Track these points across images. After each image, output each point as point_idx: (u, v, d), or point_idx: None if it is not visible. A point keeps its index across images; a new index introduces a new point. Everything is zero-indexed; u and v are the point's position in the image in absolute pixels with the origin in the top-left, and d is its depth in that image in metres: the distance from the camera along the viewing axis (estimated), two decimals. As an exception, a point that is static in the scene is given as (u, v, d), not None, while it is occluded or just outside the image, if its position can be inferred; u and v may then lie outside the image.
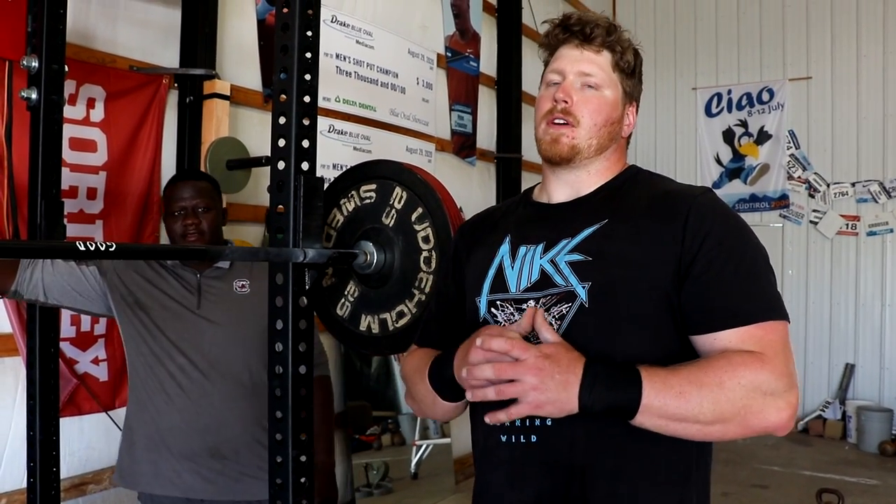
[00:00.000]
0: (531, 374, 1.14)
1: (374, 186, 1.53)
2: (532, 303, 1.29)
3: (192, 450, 2.07)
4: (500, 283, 1.36)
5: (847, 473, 5.41)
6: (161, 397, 2.10)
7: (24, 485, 2.13)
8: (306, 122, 1.47)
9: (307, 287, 1.44)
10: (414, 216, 1.43)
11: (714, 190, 1.38)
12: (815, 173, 6.97)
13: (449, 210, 1.42)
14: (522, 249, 1.36)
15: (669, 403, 1.14)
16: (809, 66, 7.00)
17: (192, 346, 2.10)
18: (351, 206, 1.55)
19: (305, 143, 1.47)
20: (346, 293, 1.55)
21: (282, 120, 1.47)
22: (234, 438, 2.08)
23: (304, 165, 1.46)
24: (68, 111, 2.67)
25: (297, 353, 1.46)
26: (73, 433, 2.82)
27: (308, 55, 1.46)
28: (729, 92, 7.29)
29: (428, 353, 1.44)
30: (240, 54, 3.43)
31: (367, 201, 1.53)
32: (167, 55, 3.14)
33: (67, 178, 2.69)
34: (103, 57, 2.88)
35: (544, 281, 1.30)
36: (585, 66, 1.36)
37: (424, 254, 1.43)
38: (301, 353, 1.47)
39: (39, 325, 2.11)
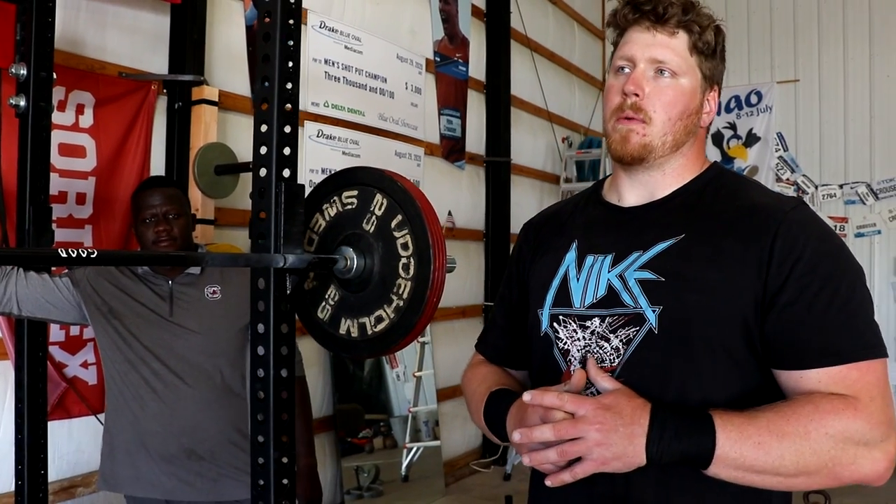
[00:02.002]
0: (594, 430, 1.04)
1: (355, 193, 1.56)
2: (597, 321, 1.20)
3: (169, 452, 2.11)
4: (563, 297, 1.26)
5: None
6: (137, 402, 2.14)
7: (13, 487, 2.16)
8: (287, 129, 1.50)
9: (288, 292, 1.47)
10: (394, 223, 1.46)
11: (806, 202, 1.23)
12: (804, 175, 7.03)
13: (427, 218, 1.44)
14: (590, 259, 1.25)
15: (747, 455, 1.02)
16: (797, 69, 7.06)
17: (166, 352, 2.14)
18: (333, 212, 1.58)
19: (287, 151, 1.50)
20: (326, 297, 1.58)
21: (263, 128, 1.50)
22: (209, 440, 2.12)
23: (286, 172, 1.49)
24: (58, 117, 2.71)
25: (278, 356, 1.49)
26: (63, 436, 2.85)
27: (289, 64, 1.49)
28: (717, 95, 7.34)
29: (487, 376, 1.40)
30: (229, 60, 3.47)
31: (349, 207, 1.56)
32: (156, 61, 3.17)
33: (57, 184, 2.73)
34: (92, 63, 2.91)
35: (611, 298, 1.19)
36: (658, 51, 1.21)
37: (403, 260, 1.46)
38: (283, 356, 1.50)
39: (27, 329, 2.14)
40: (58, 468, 2.82)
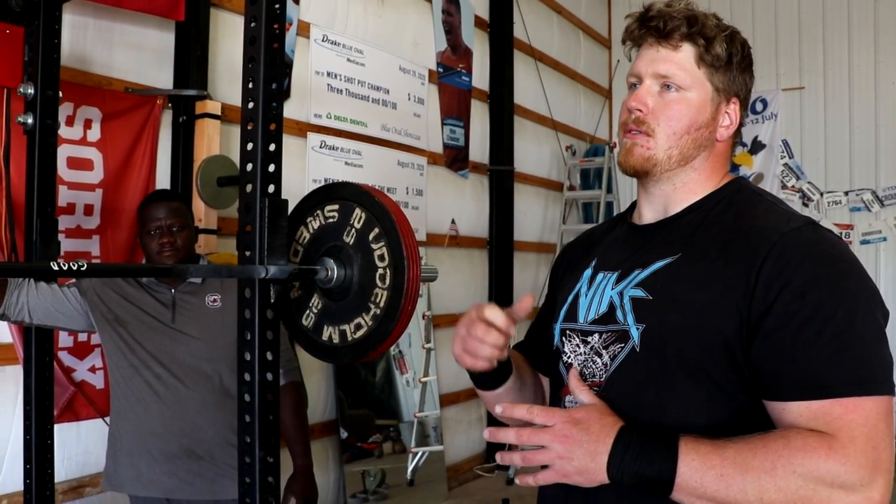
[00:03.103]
0: (557, 442, 1.06)
1: (337, 207, 1.65)
2: (596, 336, 1.21)
3: (170, 452, 2.20)
4: (572, 312, 1.29)
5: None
6: (140, 405, 2.23)
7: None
8: (272, 148, 1.60)
9: (272, 301, 1.56)
10: (371, 235, 1.55)
11: (816, 223, 1.14)
12: (809, 182, 7.05)
13: (402, 230, 1.53)
14: (600, 277, 1.27)
15: (707, 485, 1.00)
16: (802, 77, 7.09)
17: (168, 357, 2.23)
18: (316, 224, 1.68)
19: (271, 168, 1.60)
20: (310, 305, 1.67)
21: (249, 146, 1.60)
22: (208, 441, 2.22)
23: (270, 188, 1.59)
24: (66, 132, 2.82)
25: (264, 361, 1.58)
26: (71, 438, 2.95)
27: (273, 86, 1.59)
28: (722, 103, 7.39)
29: (515, 354, 1.45)
30: (232, 74, 3.57)
31: (331, 220, 1.65)
32: (161, 77, 3.28)
33: (65, 196, 2.84)
34: (100, 80, 3.02)
35: (609, 315, 1.20)
36: (662, 66, 1.20)
37: (380, 271, 1.55)
38: (268, 361, 1.59)
39: (35, 335, 2.24)
40: (67, 469, 2.92)
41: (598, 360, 1.20)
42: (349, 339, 1.60)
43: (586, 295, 1.27)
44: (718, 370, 1.09)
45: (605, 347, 1.19)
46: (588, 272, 1.30)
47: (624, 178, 8.21)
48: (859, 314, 1.04)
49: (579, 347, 1.24)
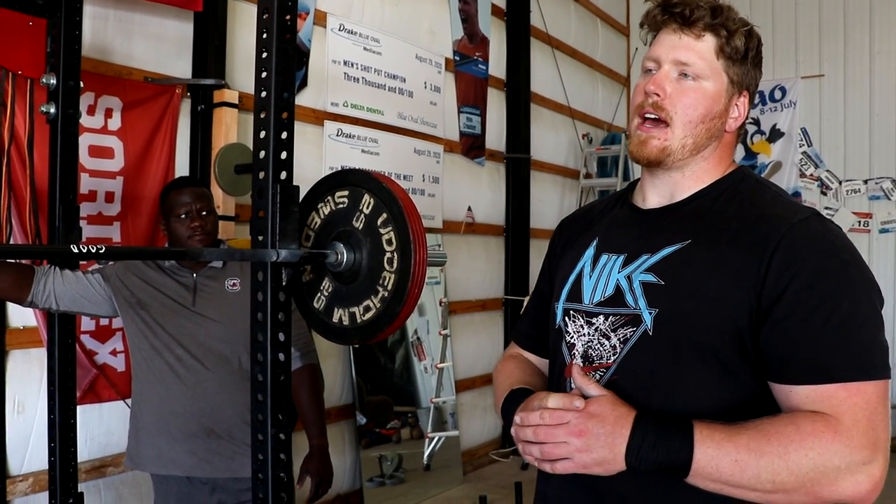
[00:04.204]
0: (574, 437, 1.10)
1: (346, 193, 1.69)
2: (602, 318, 1.23)
3: (190, 431, 2.27)
4: (576, 292, 1.30)
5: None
6: (161, 386, 2.30)
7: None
8: (284, 135, 1.64)
9: (284, 283, 1.61)
10: (379, 220, 1.59)
11: (820, 214, 1.19)
12: (828, 171, 7.00)
13: (409, 216, 1.57)
14: (604, 258, 1.28)
15: (723, 470, 1.04)
16: (822, 64, 7.03)
17: (189, 339, 2.29)
18: (327, 210, 1.72)
19: (283, 155, 1.64)
20: (321, 288, 1.72)
21: (262, 134, 1.64)
22: (227, 420, 2.28)
23: (282, 175, 1.63)
24: (88, 121, 2.89)
25: (276, 342, 1.63)
26: (94, 419, 3.04)
27: (285, 76, 1.64)
28: (741, 90, 7.34)
29: (511, 370, 1.45)
30: (249, 64, 3.62)
31: (341, 206, 1.69)
32: (180, 66, 3.34)
33: (87, 183, 2.91)
34: (120, 70, 3.09)
35: (617, 297, 1.22)
36: (683, 53, 1.22)
37: (388, 255, 1.59)
38: (280, 342, 1.64)
39: (58, 318, 2.31)
40: (90, 449, 3.01)
41: (607, 342, 1.22)
42: (358, 320, 1.65)
43: (590, 276, 1.29)
44: (728, 355, 1.13)
45: (614, 330, 1.21)
46: (590, 252, 1.32)
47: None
48: (862, 303, 1.10)
49: (583, 328, 1.26)
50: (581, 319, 1.27)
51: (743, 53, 1.23)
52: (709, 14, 1.21)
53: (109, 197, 3.04)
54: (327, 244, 1.72)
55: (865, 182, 6.84)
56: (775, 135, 7.18)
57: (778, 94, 7.17)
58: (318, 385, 2.50)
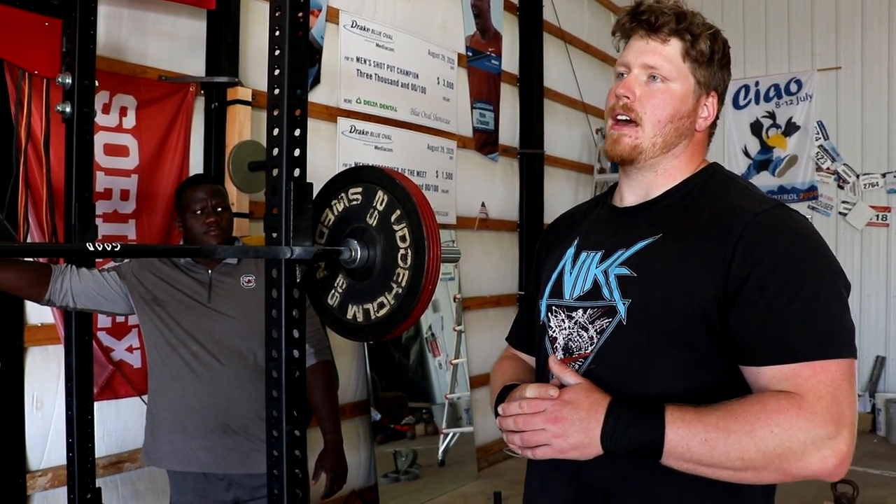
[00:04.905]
0: (551, 423, 1.15)
1: (360, 189, 1.69)
2: (581, 312, 1.29)
3: (206, 427, 2.28)
4: (558, 288, 1.36)
5: (871, 466, 5.38)
6: (178, 382, 2.31)
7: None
8: (297, 133, 1.64)
9: (298, 280, 1.62)
10: (393, 217, 1.59)
11: (785, 205, 1.25)
12: (845, 164, 6.94)
13: (423, 212, 1.57)
14: (583, 255, 1.35)
15: (694, 450, 1.09)
16: (839, 56, 6.96)
17: (205, 335, 2.31)
18: (341, 207, 1.72)
19: (297, 153, 1.64)
20: (335, 285, 1.72)
21: (275, 132, 1.64)
22: (242, 416, 2.29)
23: (296, 172, 1.64)
24: (103, 119, 2.91)
25: (290, 338, 1.64)
26: (111, 416, 3.06)
27: (298, 73, 1.64)
28: (756, 84, 7.29)
29: (506, 369, 1.51)
30: (262, 61, 3.62)
31: (354, 203, 1.69)
32: (193, 64, 3.36)
33: (102, 182, 2.93)
34: (134, 68, 3.10)
35: (595, 291, 1.29)
36: (650, 57, 1.29)
37: (401, 251, 1.59)
38: (294, 338, 1.65)
39: (75, 316, 2.33)
40: (107, 445, 3.03)
41: (585, 333, 1.28)
42: (372, 317, 1.65)
43: (571, 273, 1.35)
44: (699, 340, 1.19)
45: (591, 322, 1.27)
46: (571, 251, 1.39)
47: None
48: (825, 286, 1.15)
49: (564, 322, 1.32)
50: (562, 314, 1.33)
51: (709, 56, 1.30)
52: (673, 20, 1.28)
53: (124, 195, 3.06)
54: (341, 241, 1.72)
55: (884, 175, 6.78)
56: (791, 128, 7.13)
57: (794, 88, 7.11)
58: (332, 381, 2.51)
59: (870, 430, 6.41)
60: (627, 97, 1.30)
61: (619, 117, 1.30)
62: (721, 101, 1.36)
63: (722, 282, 1.16)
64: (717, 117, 1.36)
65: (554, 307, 1.36)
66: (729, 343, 1.17)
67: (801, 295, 1.12)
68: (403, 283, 1.61)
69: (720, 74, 1.33)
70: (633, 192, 1.37)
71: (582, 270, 1.33)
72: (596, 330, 1.26)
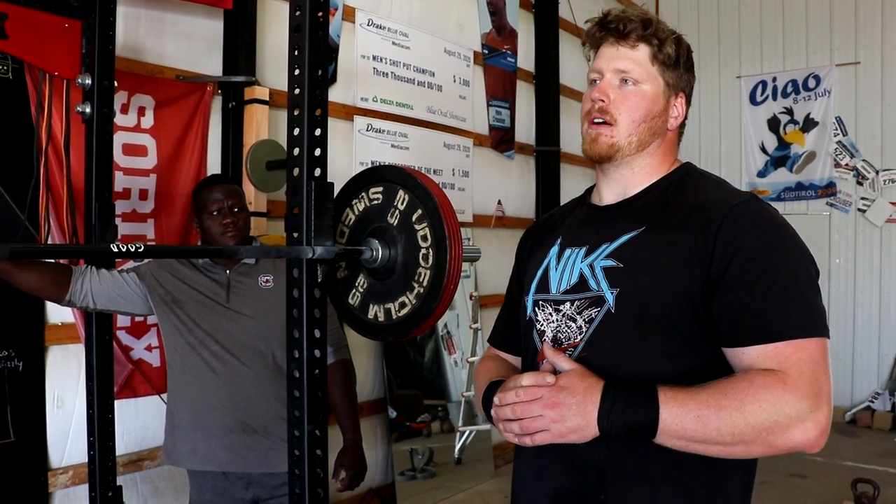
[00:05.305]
0: (549, 409, 1.20)
1: (381, 189, 1.69)
2: (568, 304, 1.35)
3: (226, 427, 2.29)
4: (544, 284, 1.42)
5: (892, 465, 5.31)
6: (197, 382, 2.32)
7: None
8: (318, 132, 1.64)
9: (319, 280, 1.62)
10: (414, 216, 1.59)
11: (758, 197, 1.34)
12: (864, 160, 6.87)
13: (444, 212, 1.56)
14: (568, 252, 1.41)
15: (687, 427, 1.15)
16: (858, 51, 6.88)
17: (224, 335, 2.31)
18: (361, 207, 1.72)
19: (317, 152, 1.64)
20: (356, 285, 1.72)
21: (296, 131, 1.65)
22: (262, 415, 2.29)
23: (317, 172, 1.64)
24: (121, 119, 2.92)
25: (311, 338, 1.64)
26: (130, 414, 3.08)
27: (318, 73, 1.64)
28: (774, 79, 7.24)
29: (490, 368, 1.55)
30: (279, 60, 3.64)
31: (375, 202, 1.69)
32: (211, 64, 3.36)
33: (121, 181, 2.95)
34: (152, 68, 3.11)
35: (581, 284, 1.34)
36: (621, 62, 1.36)
37: (423, 251, 1.59)
38: (315, 338, 1.64)
39: (96, 316, 2.35)
40: (126, 443, 3.05)
41: (573, 324, 1.34)
42: (394, 317, 1.65)
43: (556, 268, 1.41)
44: (685, 325, 1.25)
45: (579, 313, 1.33)
46: (555, 249, 1.45)
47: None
48: (800, 271, 1.23)
49: (552, 316, 1.38)
50: (550, 307, 1.39)
51: (675, 59, 1.39)
52: (640, 26, 1.36)
53: (143, 194, 3.07)
54: (362, 240, 1.72)
55: (903, 171, 6.72)
56: (809, 124, 7.07)
57: (812, 83, 7.05)
58: (350, 380, 2.51)
59: (890, 428, 6.36)
60: (602, 100, 1.37)
61: (596, 120, 1.37)
62: (688, 102, 1.44)
63: (705, 269, 1.23)
64: (686, 117, 1.44)
65: (541, 301, 1.41)
66: (712, 327, 1.24)
67: (778, 280, 1.20)
68: (425, 283, 1.60)
69: (686, 76, 1.42)
70: (611, 191, 1.43)
71: (567, 265, 1.39)
72: (584, 319, 1.31)
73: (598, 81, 1.39)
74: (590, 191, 1.53)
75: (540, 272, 1.44)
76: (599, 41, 1.41)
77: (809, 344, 1.18)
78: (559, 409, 1.20)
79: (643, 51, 1.37)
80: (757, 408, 1.13)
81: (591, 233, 1.40)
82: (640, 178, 1.41)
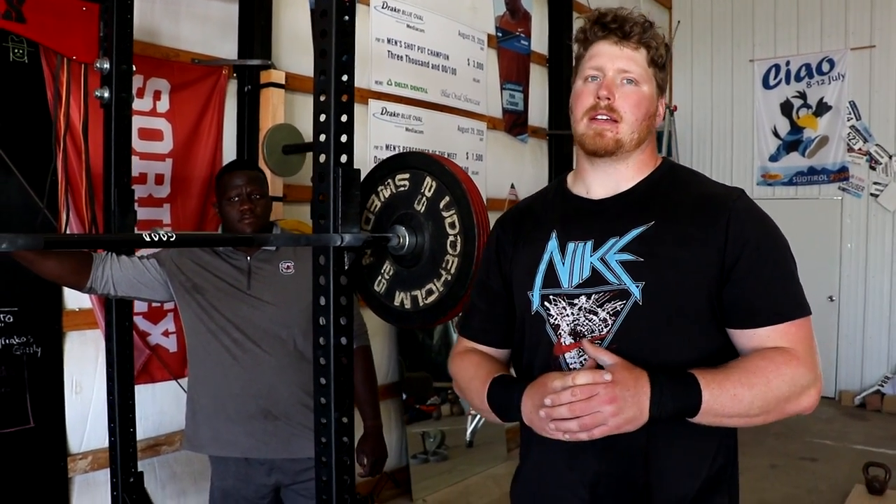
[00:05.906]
0: (607, 404, 1.24)
1: (407, 175, 1.68)
2: (584, 298, 1.38)
3: (247, 413, 2.28)
4: (552, 279, 1.43)
5: (901, 448, 5.36)
6: (219, 369, 2.31)
7: (107, 443, 2.38)
8: (344, 118, 1.62)
9: (346, 267, 1.60)
10: (442, 203, 1.58)
11: (745, 191, 1.44)
12: (877, 145, 6.81)
13: (473, 199, 1.56)
14: (571, 246, 1.43)
15: (725, 405, 1.27)
16: (873, 35, 6.80)
17: (245, 322, 2.30)
18: (387, 193, 1.71)
19: (343, 139, 1.62)
20: (382, 271, 1.71)
21: (322, 118, 1.62)
22: (283, 402, 2.29)
23: (343, 158, 1.62)
24: (137, 103, 2.89)
25: (338, 325, 1.63)
26: (147, 399, 3.09)
27: (344, 58, 1.61)
28: (787, 63, 7.17)
29: (479, 362, 1.52)
30: (295, 43, 3.61)
31: (402, 189, 1.68)
32: (226, 47, 3.34)
33: (137, 166, 2.93)
34: (167, 52, 3.09)
35: (596, 278, 1.38)
36: (625, 63, 1.40)
37: (451, 238, 1.58)
38: (342, 325, 1.64)
39: (115, 302, 2.34)
40: (144, 428, 3.05)
41: (595, 317, 1.38)
42: (420, 304, 1.65)
43: (563, 263, 1.43)
44: (703, 313, 1.36)
45: (600, 305, 1.37)
46: (553, 243, 1.46)
47: (685, 140, 7.93)
48: (789, 259, 1.38)
49: (566, 310, 1.41)
50: (563, 302, 1.41)
51: (663, 62, 1.46)
52: (641, 30, 1.42)
53: (159, 179, 3.06)
54: (388, 227, 1.71)
55: (918, 156, 6.66)
56: (822, 108, 7.00)
57: (826, 67, 6.98)
58: (371, 367, 2.51)
59: (901, 413, 6.36)
60: (609, 98, 1.40)
61: (601, 116, 1.41)
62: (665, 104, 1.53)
63: (720, 260, 1.34)
64: (663, 117, 1.52)
65: (552, 296, 1.43)
66: (722, 312, 1.36)
67: (779, 267, 1.35)
68: (453, 271, 1.59)
69: (666, 78, 1.50)
70: (602, 185, 1.47)
71: (575, 260, 1.42)
72: (609, 312, 1.37)
73: (597, 78, 1.42)
74: (561, 181, 1.57)
75: (543, 266, 1.45)
76: (598, 39, 1.45)
77: (806, 322, 1.35)
78: (617, 403, 1.25)
79: (643, 53, 1.43)
80: (781, 382, 1.28)
81: (591, 227, 1.44)
82: (631, 173, 1.46)
